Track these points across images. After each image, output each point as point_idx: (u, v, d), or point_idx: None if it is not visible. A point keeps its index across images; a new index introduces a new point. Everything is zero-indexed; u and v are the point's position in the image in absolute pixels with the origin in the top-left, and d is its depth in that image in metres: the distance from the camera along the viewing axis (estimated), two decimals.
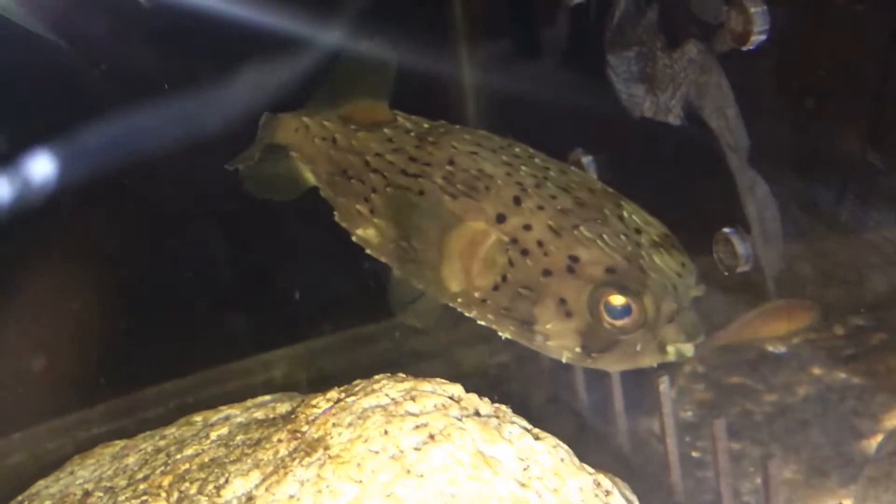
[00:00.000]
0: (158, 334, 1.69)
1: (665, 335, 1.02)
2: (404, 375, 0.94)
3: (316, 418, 0.90)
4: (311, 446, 0.86)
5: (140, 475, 1.01)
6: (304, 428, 0.90)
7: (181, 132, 1.56)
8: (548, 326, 1.04)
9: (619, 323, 1.01)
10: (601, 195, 1.06)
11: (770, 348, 1.66)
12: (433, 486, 0.79)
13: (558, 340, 1.04)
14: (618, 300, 1.00)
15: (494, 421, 0.88)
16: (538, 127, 1.53)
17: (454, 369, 1.82)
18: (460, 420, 0.85)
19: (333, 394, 0.95)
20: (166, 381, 1.76)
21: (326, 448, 0.84)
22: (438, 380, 0.92)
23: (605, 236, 1.01)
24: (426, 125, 1.18)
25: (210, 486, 0.90)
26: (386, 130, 1.17)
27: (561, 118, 1.55)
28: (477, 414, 0.89)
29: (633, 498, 1.01)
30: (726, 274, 1.12)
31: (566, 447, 0.91)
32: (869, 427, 1.38)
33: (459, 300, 1.09)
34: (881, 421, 1.38)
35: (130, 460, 1.09)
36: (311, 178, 1.26)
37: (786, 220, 1.05)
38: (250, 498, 0.85)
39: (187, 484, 0.93)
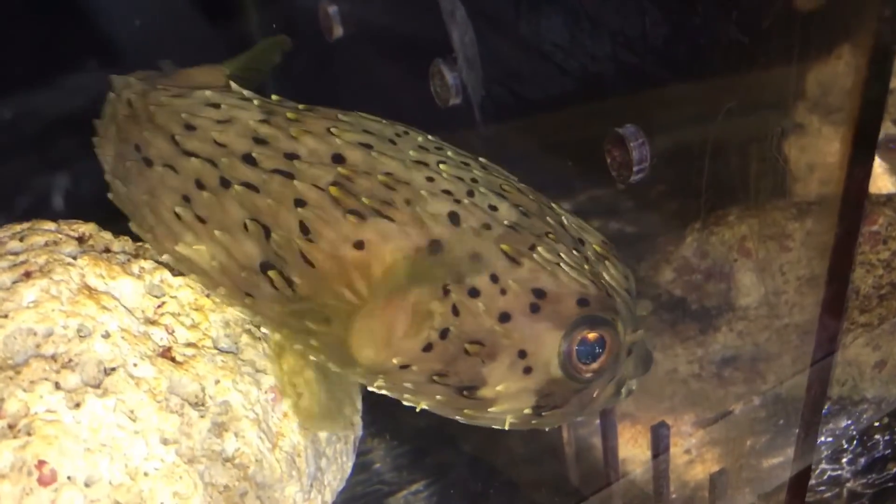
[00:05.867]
0: None
1: (624, 371, 0.81)
2: (43, 220, 0.85)
3: None
4: None
5: None
6: None
7: None
8: (498, 388, 0.75)
9: (593, 366, 0.76)
10: (531, 194, 0.80)
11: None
12: (19, 325, 0.70)
13: (506, 404, 0.76)
14: (592, 336, 0.75)
15: (122, 257, 0.79)
16: None
17: None
18: (74, 257, 0.76)
19: None
20: None
21: None
22: (73, 220, 0.83)
23: (563, 255, 0.75)
24: (274, 97, 0.84)
25: None
26: (208, 93, 0.82)
27: None
28: (107, 251, 0.80)
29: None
30: (442, 106, 1.05)
31: None
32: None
33: (358, 370, 0.76)
34: (641, 261, 1.35)
35: None
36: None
37: (479, 41, 0.99)
38: None
39: None
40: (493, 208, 0.76)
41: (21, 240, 0.78)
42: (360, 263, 0.71)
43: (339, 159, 0.75)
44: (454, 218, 0.73)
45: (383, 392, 0.79)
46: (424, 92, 1.10)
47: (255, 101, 0.82)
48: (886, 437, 1.21)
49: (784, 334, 1.14)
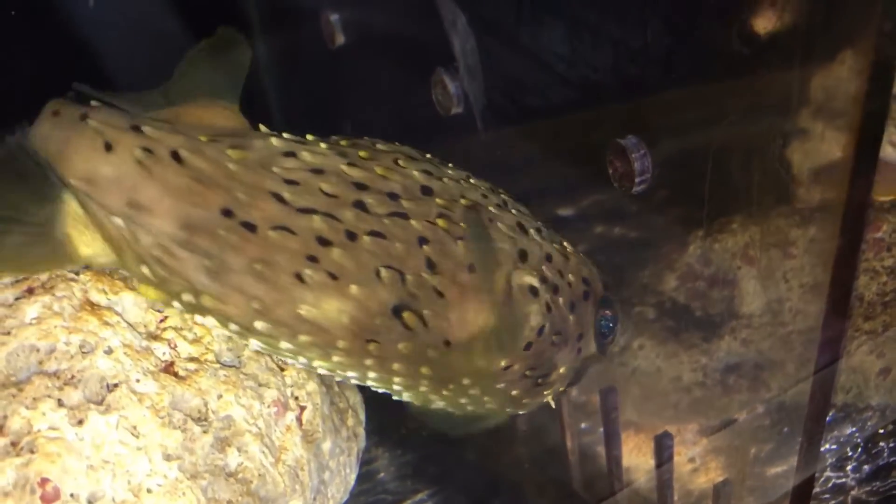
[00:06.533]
0: None
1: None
2: None
3: None
4: None
5: None
6: None
7: None
8: (561, 371, 0.84)
9: (612, 339, 0.89)
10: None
11: (560, 212, 1.62)
12: (22, 342, 0.71)
13: (556, 386, 0.86)
14: (610, 313, 0.88)
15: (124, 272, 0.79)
16: None
17: None
18: (76, 273, 0.76)
19: None
20: None
21: None
22: None
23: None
24: (310, 137, 0.81)
25: None
26: (274, 141, 0.77)
27: None
28: None
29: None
30: (444, 115, 1.05)
31: None
32: (632, 276, 1.36)
33: (465, 382, 0.80)
34: (644, 268, 1.35)
35: None
36: (99, 251, 0.75)
37: (480, 50, 0.99)
38: None
39: None
40: (521, 211, 0.85)
41: None
42: (475, 284, 0.76)
43: (428, 192, 0.78)
44: (522, 228, 0.81)
45: (463, 405, 0.82)
46: (426, 100, 1.09)
47: (321, 144, 0.79)
48: (891, 445, 1.21)
49: (788, 342, 1.14)
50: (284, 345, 0.75)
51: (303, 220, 0.73)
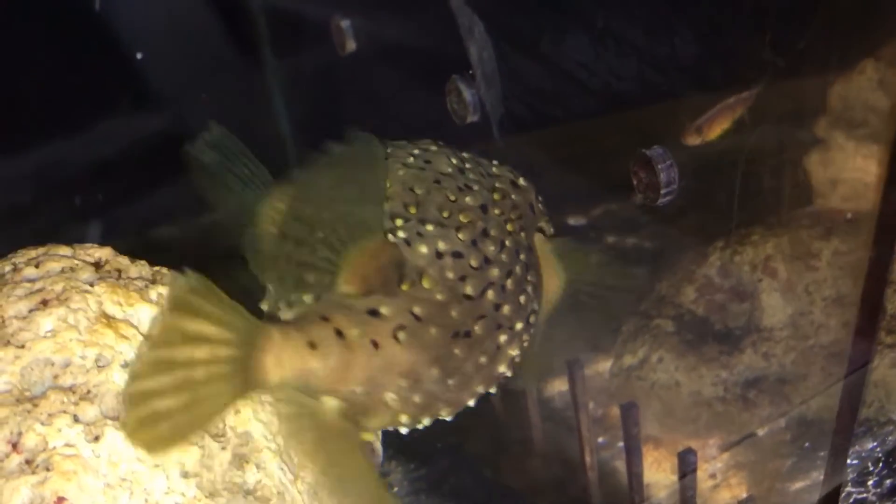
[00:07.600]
0: None
1: None
2: (59, 245, 0.82)
3: None
4: None
5: None
6: None
7: None
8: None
9: None
10: None
11: (571, 221, 1.61)
12: (36, 356, 0.68)
13: None
14: None
15: (140, 283, 0.77)
16: None
17: None
18: (91, 284, 0.74)
19: None
20: None
21: None
22: (88, 245, 0.81)
23: None
24: (399, 217, 0.80)
25: None
26: (422, 249, 0.78)
27: None
28: (124, 277, 0.78)
29: None
30: (459, 124, 1.03)
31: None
32: (650, 288, 1.34)
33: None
34: (662, 280, 1.33)
35: None
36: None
37: (499, 59, 0.97)
38: None
39: None
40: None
41: (37, 266, 0.75)
42: (539, 265, 0.87)
43: (485, 209, 0.83)
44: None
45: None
46: (441, 109, 1.08)
47: (429, 227, 0.80)
48: None
49: (810, 356, 1.12)
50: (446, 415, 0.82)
51: (485, 302, 0.79)
